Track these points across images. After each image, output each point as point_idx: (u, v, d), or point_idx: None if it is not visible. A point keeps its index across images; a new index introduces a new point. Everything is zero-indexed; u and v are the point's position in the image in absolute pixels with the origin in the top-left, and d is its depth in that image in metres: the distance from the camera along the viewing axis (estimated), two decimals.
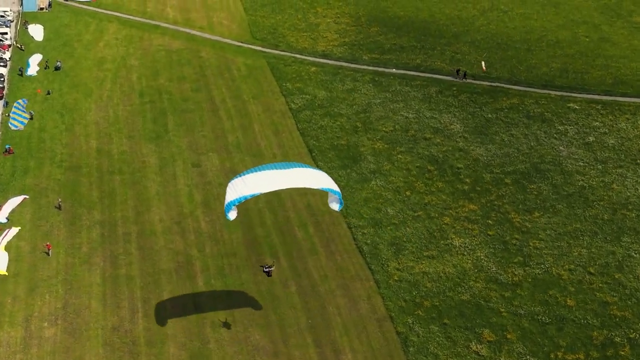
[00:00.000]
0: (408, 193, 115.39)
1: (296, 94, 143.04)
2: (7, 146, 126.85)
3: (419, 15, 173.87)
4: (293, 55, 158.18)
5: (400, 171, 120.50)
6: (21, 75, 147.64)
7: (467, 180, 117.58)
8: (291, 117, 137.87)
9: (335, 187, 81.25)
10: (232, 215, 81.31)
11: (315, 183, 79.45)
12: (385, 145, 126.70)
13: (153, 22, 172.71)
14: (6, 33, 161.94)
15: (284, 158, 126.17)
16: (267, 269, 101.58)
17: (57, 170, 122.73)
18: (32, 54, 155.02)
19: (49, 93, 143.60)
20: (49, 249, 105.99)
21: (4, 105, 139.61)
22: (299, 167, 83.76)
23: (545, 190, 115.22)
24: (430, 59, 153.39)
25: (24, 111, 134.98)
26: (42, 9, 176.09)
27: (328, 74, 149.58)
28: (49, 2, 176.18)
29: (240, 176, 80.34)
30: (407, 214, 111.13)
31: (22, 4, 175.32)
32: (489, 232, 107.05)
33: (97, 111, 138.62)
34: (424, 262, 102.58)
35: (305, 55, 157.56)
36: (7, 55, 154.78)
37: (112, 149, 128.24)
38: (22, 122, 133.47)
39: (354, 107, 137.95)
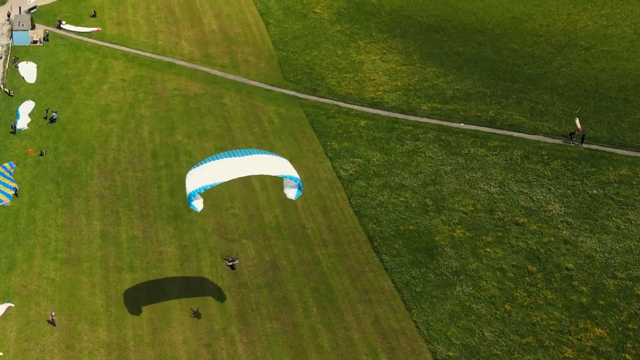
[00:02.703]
0: (508, 307, 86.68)
1: (345, 157, 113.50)
2: None
3: (482, 51, 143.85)
4: (336, 103, 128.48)
5: (491, 272, 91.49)
6: (14, 132, 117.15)
7: (584, 288, 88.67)
8: (341, 188, 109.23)
9: (295, 174, 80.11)
10: (199, 205, 79.83)
11: (273, 170, 79.45)
12: (467, 233, 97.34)
13: (166, 59, 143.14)
14: None
15: (337, 247, 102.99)
16: (230, 262, 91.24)
17: (50, 264, 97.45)
18: (22, 100, 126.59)
19: (42, 154, 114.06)
20: None
21: None
22: (258, 153, 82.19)
23: None
24: (505, 111, 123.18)
25: (11, 179, 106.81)
26: (35, 42, 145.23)
27: (381, 129, 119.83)
28: (45, 35, 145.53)
29: (198, 166, 79.30)
30: (512, 339, 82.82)
31: (12, 37, 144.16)
32: None
33: (101, 178, 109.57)
34: None
35: (351, 104, 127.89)
36: None
37: (120, 233, 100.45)
38: (7, 195, 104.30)
39: (420, 176, 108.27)
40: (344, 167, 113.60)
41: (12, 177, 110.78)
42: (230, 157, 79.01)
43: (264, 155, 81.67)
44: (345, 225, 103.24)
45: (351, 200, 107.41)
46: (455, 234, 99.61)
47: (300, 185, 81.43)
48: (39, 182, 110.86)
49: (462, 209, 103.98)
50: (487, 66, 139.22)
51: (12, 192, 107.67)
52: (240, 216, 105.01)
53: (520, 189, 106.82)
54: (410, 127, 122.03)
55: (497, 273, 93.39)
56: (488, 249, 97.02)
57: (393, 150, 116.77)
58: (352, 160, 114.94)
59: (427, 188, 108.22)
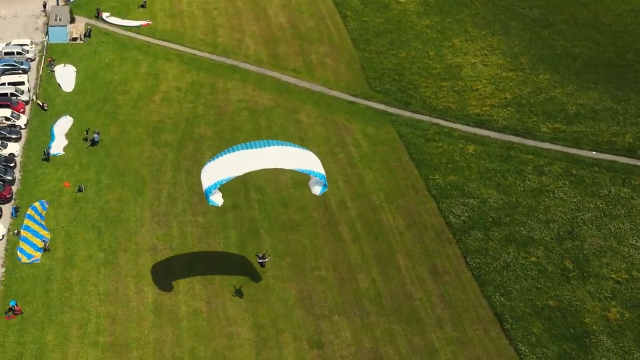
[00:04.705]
0: None
1: (453, 196, 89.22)
2: (11, 303, 74.89)
3: (602, 53, 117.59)
4: (434, 120, 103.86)
5: None
6: (47, 159, 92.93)
7: None
8: (452, 240, 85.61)
9: (318, 169, 74.48)
10: (218, 200, 75.08)
11: (294, 164, 74.14)
12: (626, 313, 74.00)
13: (228, 61, 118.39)
14: (22, 83, 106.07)
15: (457, 329, 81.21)
16: (261, 260, 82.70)
17: (90, 351, 78.00)
18: (58, 116, 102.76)
19: (80, 189, 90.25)
20: None
21: (12, 214, 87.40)
22: (279, 145, 75.74)
23: None
24: None
25: (42, 226, 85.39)
26: (75, 39, 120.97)
27: (495, 158, 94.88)
28: (87, 31, 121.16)
29: (214, 159, 74.65)
30: None
31: (47, 33, 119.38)
32: None
33: (153, 224, 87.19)
34: None
35: (452, 122, 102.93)
36: (22, 120, 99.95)
37: (179, 305, 79.49)
38: (37, 248, 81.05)
39: (552, 226, 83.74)
40: (453, 210, 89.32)
41: (43, 223, 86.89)
42: (249, 149, 73.70)
43: (286, 147, 75.56)
44: (463, 296, 79.43)
45: (468, 260, 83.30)
46: (610, 315, 75.64)
47: (325, 182, 76.15)
48: (76, 230, 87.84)
49: (613, 275, 79.74)
50: (612, 73, 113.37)
51: (42, 245, 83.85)
52: (329, 280, 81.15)
53: None
54: (531, 156, 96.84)
55: None
56: None
57: (513, 187, 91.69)
58: (463, 201, 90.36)
59: (563, 244, 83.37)
